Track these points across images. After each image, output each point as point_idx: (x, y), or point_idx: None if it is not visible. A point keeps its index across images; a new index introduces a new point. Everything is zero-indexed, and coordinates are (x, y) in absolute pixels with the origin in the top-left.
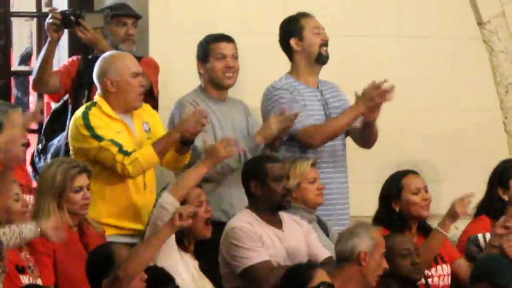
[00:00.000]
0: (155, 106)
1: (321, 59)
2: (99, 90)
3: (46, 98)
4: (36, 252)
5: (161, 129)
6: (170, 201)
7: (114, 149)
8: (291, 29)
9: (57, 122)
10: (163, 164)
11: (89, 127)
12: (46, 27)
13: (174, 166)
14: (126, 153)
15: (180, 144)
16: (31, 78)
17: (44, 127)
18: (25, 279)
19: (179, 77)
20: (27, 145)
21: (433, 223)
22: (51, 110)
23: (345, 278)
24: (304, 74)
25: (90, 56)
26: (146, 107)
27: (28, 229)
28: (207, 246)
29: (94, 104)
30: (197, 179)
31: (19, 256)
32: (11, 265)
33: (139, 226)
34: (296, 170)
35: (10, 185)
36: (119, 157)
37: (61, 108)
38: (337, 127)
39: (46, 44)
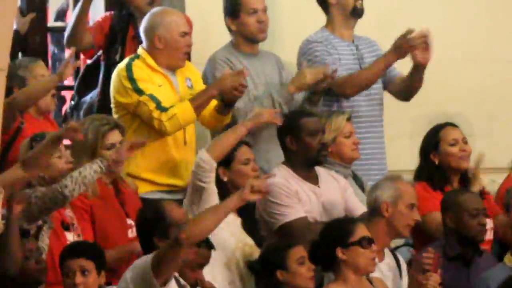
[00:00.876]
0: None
1: (356, 12)
2: (144, 44)
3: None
4: (75, 208)
5: (202, 87)
6: (206, 159)
7: (152, 105)
8: None
9: (90, 78)
10: (203, 123)
11: (131, 78)
12: None
13: (214, 126)
14: (164, 109)
15: (221, 104)
16: (66, 34)
17: (77, 83)
18: (69, 236)
19: (212, 33)
20: (56, 96)
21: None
22: (84, 66)
23: (375, 230)
24: (340, 27)
25: (123, 12)
26: (189, 64)
27: (93, 170)
28: (250, 204)
29: (138, 56)
30: (235, 140)
31: (63, 214)
32: (57, 222)
33: (176, 182)
34: (332, 125)
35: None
36: (156, 113)
37: (94, 65)
38: (368, 75)
39: (81, 0)
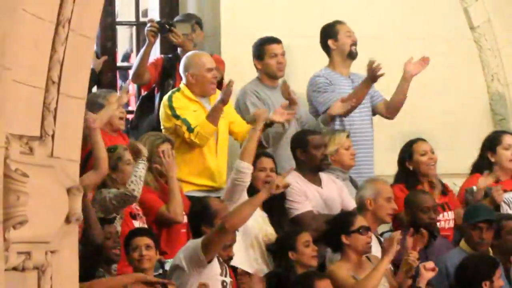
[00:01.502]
0: None
1: (352, 55)
2: (183, 80)
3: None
4: (141, 202)
5: (231, 109)
6: (245, 166)
7: (184, 128)
8: (329, 33)
9: (145, 105)
10: (237, 139)
11: (171, 107)
12: (145, 33)
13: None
14: (191, 130)
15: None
16: (131, 72)
17: (136, 109)
18: (136, 224)
19: (242, 71)
20: (123, 118)
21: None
22: (140, 96)
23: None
24: (339, 66)
25: (170, 55)
26: (219, 92)
27: (141, 168)
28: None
29: (179, 89)
30: (256, 143)
31: (131, 207)
32: (126, 213)
33: (212, 183)
34: (335, 140)
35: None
36: (187, 134)
37: (148, 95)
38: (357, 96)
39: (145, 46)
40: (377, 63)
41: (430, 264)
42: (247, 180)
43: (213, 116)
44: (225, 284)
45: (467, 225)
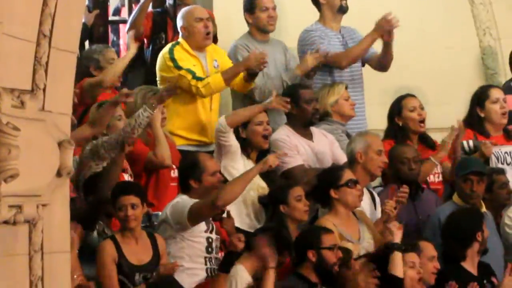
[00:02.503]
0: None
1: (342, 9)
2: (180, 34)
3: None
4: (129, 156)
5: (229, 64)
6: (223, 124)
7: (189, 76)
8: None
9: (135, 60)
10: (234, 88)
11: (173, 59)
12: None
13: (241, 90)
14: (200, 79)
15: (247, 75)
16: (127, 25)
17: None
18: (126, 177)
19: (233, 25)
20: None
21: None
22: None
23: (355, 174)
24: (329, 21)
25: (159, 9)
26: (217, 48)
27: (145, 116)
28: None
29: (178, 43)
30: (249, 117)
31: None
32: None
33: (203, 139)
34: (335, 91)
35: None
36: (193, 82)
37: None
38: (358, 50)
39: (143, 1)
40: (393, 16)
41: (396, 224)
42: (223, 139)
43: (230, 75)
44: (210, 240)
45: (458, 178)
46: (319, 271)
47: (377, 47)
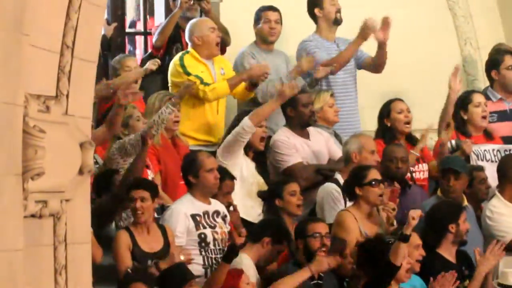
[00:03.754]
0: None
1: (337, 22)
2: (190, 44)
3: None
4: (149, 154)
5: (233, 74)
6: (249, 125)
7: (197, 81)
8: (315, 2)
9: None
10: (235, 96)
11: (182, 65)
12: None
13: (241, 98)
14: (207, 84)
15: (249, 84)
16: (154, 36)
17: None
18: (149, 173)
19: (241, 35)
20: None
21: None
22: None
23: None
24: (325, 32)
25: None
26: (223, 58)
27: (168, 112)
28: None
29: (187, 52)
30: (270, 112)
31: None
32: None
33: (211, 139)
34: (320, 98)
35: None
36: (201, 86)
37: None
38: (346, 55)
39: (176, 9)
40: (373, 20)
41: (417, 212)
42: (247, 138)
43: (234, 82)
44: (203, 236)
45: (438, 174)
46: (306, 258)
47: (371, 51)
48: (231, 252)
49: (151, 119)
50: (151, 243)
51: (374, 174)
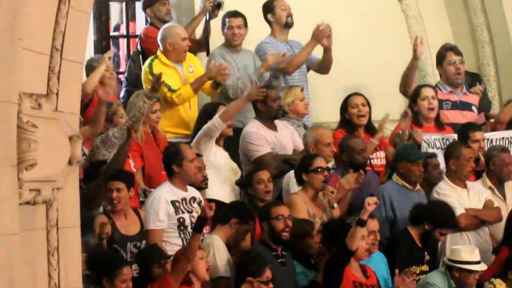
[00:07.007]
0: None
1: (288, 25)
2: (160, 47)
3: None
4: (132, 149)
5: (201, 69)
6: (218, 123)
7: (165, 89)
8: (268, 8)
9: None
10: (204, 92)
11: (152, 73)
12: (203, 4)
13: (210, 94)
14: (173, 91)
15: (214, 83)
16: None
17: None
18: (130, 162)
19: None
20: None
21: None
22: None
23: None
24: (279, 35)
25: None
26: (191, 55)
27: (147, 106)
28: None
29: (156, 57)
30: (238, 110)
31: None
32: None
33: (186, 132)
34: (291, 93)
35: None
36: (168, 93)
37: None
38: (301, 58)
39: (199, 14)
40: (326, 24)
41: (373, 199)
42: (218, 134)
43: (196, 85)
44: (181, 220)
45: (405, 163)
46: (272, 238)
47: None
48: (201, 222)
49: (132, 112)
50: (128, 227)
51: (319, 162)
